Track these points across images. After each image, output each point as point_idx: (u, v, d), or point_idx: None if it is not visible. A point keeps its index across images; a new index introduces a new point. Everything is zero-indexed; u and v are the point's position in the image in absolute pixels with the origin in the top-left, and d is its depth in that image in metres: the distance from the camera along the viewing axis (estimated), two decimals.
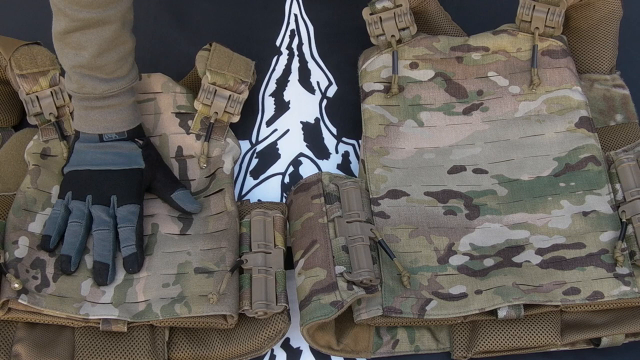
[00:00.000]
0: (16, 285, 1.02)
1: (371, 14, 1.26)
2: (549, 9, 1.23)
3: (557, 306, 1.05)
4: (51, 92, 1.22)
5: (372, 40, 1.27)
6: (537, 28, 1.24)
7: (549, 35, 1.25)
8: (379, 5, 1.25)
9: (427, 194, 1.16)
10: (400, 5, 1.24)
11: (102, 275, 1.09)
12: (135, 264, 1.11)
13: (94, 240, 1.12)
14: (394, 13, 1.24)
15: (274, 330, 1.07)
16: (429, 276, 1.09)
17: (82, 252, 1.11)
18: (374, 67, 1.26)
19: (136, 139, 1.17)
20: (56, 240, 1.12)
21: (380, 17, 1.25)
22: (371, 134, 1.21)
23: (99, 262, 1.10)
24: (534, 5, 1.24)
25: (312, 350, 1.10)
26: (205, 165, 1.21)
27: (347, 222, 1.10)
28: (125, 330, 1.06)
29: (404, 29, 1.25)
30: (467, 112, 1.24)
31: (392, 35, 1.25)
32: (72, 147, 1.17)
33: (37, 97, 1.22)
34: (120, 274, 1.11)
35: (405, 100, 1.24)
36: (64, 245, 1.11)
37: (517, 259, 1.10)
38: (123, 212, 1.12)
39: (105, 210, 1.12)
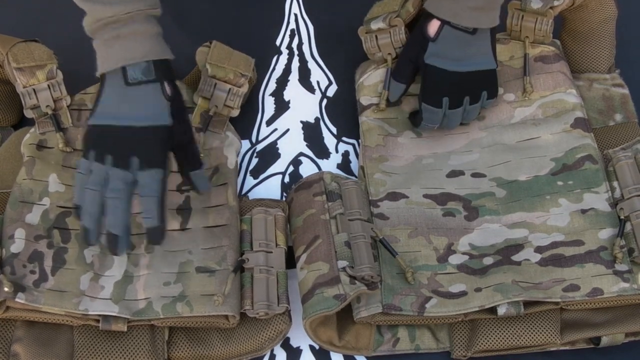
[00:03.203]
0: (6, 289, 1.02)
1: (367, 33, 1.26)
2: (537, 18, 1.24)
3: (557, 303, 1.05)
4: (48, 85, 1.21)
5: (369, 57, 1.28)
6: (527, 37, 1.25)
7: (541, 42, 1.26)
8: (374, 26, 1.26)
9: (425, 196, 1.17)
10: (395, 26, 1.25)
11: (113, 245, 1.05)
12: (158, 237, 1.06)
13: (106, 208, 1.04)
14: (390, 33, 1.25)
15: (275, 331, 1.07)
16: (429, 275, 1.09)
17: (102, 221, 1.05)
18: (371, 81, 1.27)
19: (165, 84, 1.08)
20: None
21: (375, 36, 1.26)
22: (370, 143, 1.22)
23: (110, 233, 1.05)
24: (522, 15, 1.25)
25: (312, 350, 1.10)
26: (201, 155, 1.18)
27: (349, 219, 1.10)
28: (125, 329, 1.05)
29: (399, 47, 1.26)
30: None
31: (389, 53, 1.26)
32: (100, 93, 1.08)
33: (34, 89, 1.21)
34: (120, 270, 1.10)
35: (403, 113, 1.25)
36: (83, 215, 1.05)
37: (516, 257, 1.10)
38: (145, 178, 1.04)
39: (123, 176, 1.04)
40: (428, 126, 1.21)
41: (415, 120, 1.23)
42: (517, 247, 1.11)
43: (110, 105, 1.06)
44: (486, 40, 1.18)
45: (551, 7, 1.23)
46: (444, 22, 1.17)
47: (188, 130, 1.11)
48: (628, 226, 1.08)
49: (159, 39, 1.09)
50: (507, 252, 1.10)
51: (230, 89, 1.24)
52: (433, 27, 1.18)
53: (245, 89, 1.25)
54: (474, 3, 1.14)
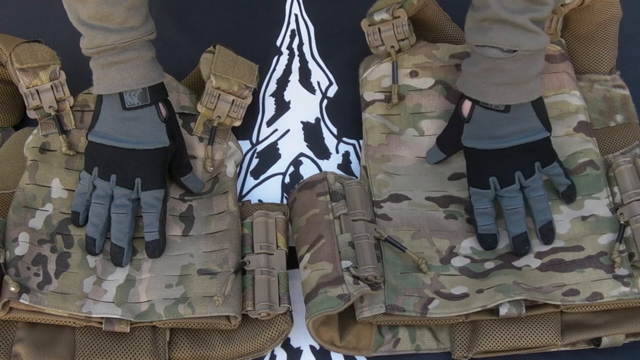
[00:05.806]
0: (12, 289, 1.02)
1: (370, 25, 1.26)
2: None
3: (557, 306, 1.05)
4: (51, 86, 1.22)
5: (372, 50, 1.27)
6: None
7: None
8: (377, 18, 1.25)
9: (428, 199, 1.17)
10: (399, 17, 1.24)
11: (117, 257, 1.12)
12: (157, 250, 1.12)
13: (111, 222, 1.12)
14: (393, 24, 1.25)
15: (276, 331, 1.07)
16: (432, 275, 1.09)
17: (106, 233, 1.13)
18: (374, 76, 1.26)
19: (159, 106, 1.14)
20: (85, 218, 1.14)
21: (379, 29, 1.25)
22: (372, 142, 1.21)
23: (115, 245, 1.12)
24: None
25: (313, 350, 1.10)
26: (211, 168, 1.21)
27: (352, 220, 1.11)
28: (128, 330, 1.06)
29: (403, 40, 1.26)
30: None
31: (392, 46, 1.25)
32: (98, 111, 1.14)
33: (37, 90, 1.21)
34: (122, 275, 1.11)
35: (406, 109, 1.25)
36: (88, 227, 1.13)
37: (517, 263, 1.10)
38: (148, 197, 1.12)
39: (127, 194, 1.12)
40: (484, 217, 1.12)
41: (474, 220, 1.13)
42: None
43: (109, 126, 1.13)
44: (528, 115, 1.11)
45: (562, 5, 1.23)
46: (474, 102, 1.12)
47: (181, 145, 1.18)
48: (628, 231, 1.08)
49: (153, 63, 1.13)
50: (508, 258, 1.11)
51: (234, 100, 1.24)
52: (465, 107, 1.13)
53: (249, 100, 1.25)
54: (498, 79, 1.08)
